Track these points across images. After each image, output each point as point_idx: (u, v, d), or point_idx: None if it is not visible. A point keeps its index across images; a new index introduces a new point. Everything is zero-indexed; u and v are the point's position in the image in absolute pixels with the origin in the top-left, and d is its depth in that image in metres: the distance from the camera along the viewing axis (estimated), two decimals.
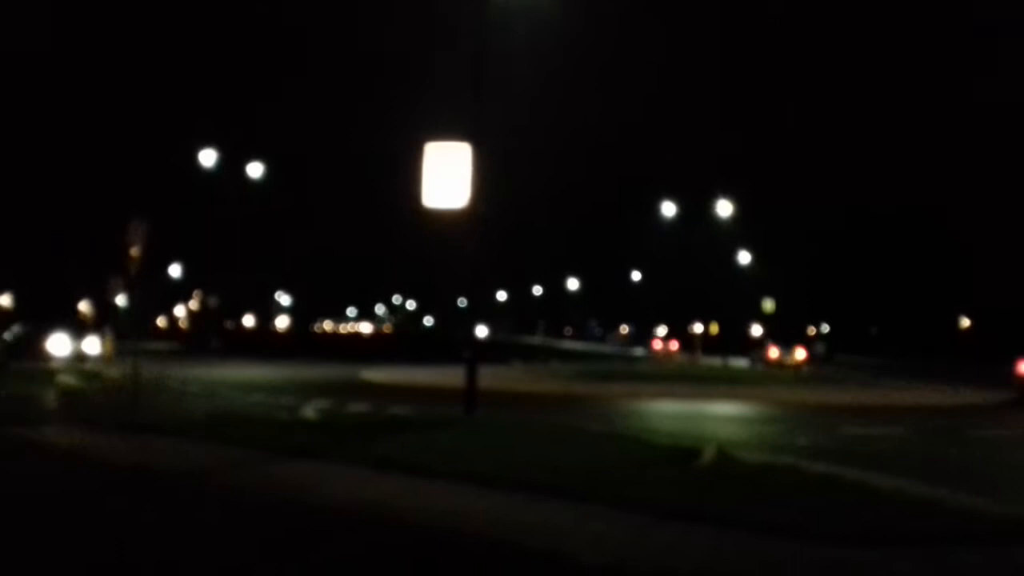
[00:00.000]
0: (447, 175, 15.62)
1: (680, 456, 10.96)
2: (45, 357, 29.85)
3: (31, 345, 30.87)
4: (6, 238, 61.09)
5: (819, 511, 7.93)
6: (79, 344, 31.60)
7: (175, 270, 68.51)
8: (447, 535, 7.37)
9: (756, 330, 65.06)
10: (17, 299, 68.91)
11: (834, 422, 18.35)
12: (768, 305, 55.49)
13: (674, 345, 61.11)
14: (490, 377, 24.76)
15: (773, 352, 48.72)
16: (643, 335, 78.45)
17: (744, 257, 57.23)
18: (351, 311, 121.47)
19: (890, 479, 9.93)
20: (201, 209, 55.18)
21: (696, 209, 53.02)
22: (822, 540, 7.14)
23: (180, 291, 67.78)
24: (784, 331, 62.10)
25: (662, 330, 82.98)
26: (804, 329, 74.60)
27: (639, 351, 69.71)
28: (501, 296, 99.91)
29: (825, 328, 78.41)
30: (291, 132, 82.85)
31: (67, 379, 23.00)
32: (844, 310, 77.61)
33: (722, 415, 20.77)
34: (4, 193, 61.90)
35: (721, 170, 61.80)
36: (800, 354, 47.67)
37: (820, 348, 57.52)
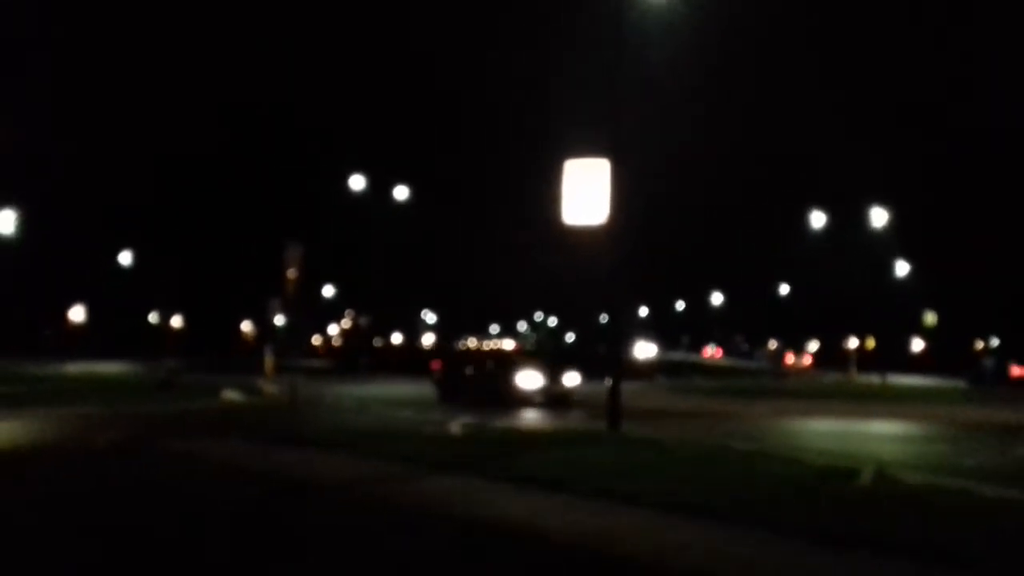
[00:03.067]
0: (587, 191, 15.65)
1: (836, 476, 10.49)
2: (515, 393, 25.35)
3: (498, 379, 26.30)
4: (175, 265, 65.68)
5: (991, 539, 7.38)
6: (558, 378, 26.57)
7: (328, 291, 71.71)
8: (591, 554, 7.30)
9: (917, 344, 61.97)
10: (187, 321, 73.97)
11: (1006, 442, 17.10)
12: (929, 318, 52.64)
13: (719, 352, 66.28)
14: (634, 393, 24.49)
15: (789, 359, 60.23)
16: (794, 351, 75.74)
17: (902, 268, 54.41)
18: (494, 328, 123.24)
19: None
20: (351, 232, 57.56)
21: (848, 218, 50.89)
22: (994, 572, 6.62)
23: (333, 311, 70.81)
24: (947, 346, 58.69)
25: (813, 345, 79.89)
26: (971, 343, 69.98)
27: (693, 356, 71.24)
28: (643, 311, 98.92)
29: (995, 342, 73.17)
30: (434, 154, 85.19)
31: (230, 394, 24.38)
32: (1016, 320, 72.12)
33: (879, 433, 19.70)
34: (170, 224, 66.64)
35: (873, 178, 58.98)
36: (806, 360, 60.54)
37: (989, 363, 53.34)
